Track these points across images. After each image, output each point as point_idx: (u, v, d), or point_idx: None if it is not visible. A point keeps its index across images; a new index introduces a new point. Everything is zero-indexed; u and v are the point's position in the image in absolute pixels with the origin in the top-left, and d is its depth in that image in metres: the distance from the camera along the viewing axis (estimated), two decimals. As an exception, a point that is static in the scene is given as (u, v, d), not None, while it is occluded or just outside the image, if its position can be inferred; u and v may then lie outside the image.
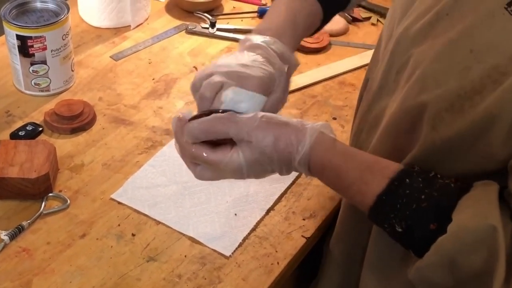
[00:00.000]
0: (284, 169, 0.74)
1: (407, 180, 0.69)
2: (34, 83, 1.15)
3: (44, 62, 1.13)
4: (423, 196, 0.68)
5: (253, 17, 1.43)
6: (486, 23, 0.66)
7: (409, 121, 0.75)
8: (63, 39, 1.13)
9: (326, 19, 0.90)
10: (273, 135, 0.71)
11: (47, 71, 1.14)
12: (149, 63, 1.27)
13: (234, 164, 0.72)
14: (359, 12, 1.45)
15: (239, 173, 0.74)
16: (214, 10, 1.43)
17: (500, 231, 0.64)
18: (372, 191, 0.70)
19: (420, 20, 0.74)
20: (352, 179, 0.72)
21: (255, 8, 1.44)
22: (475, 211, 0.66)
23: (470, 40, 0.67)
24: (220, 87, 0.76)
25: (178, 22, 1.39)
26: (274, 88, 0.78)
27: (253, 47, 0.80)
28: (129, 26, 1.35)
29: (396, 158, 0.76)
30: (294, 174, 1.04)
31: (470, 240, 0.65)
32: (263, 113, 0.73)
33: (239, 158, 0.72)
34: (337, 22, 1.38)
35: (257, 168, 0.74)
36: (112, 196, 0.98)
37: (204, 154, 0.73)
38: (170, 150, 1.07)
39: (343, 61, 1.30)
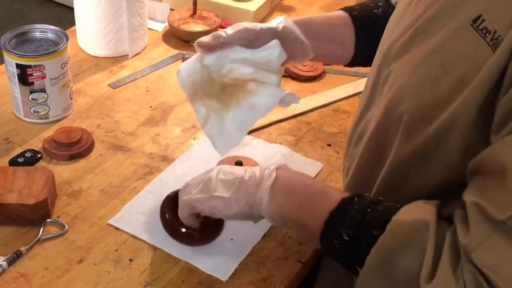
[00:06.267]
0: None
1: (356, 198, 0.77)
2: (33, 111, 1.16)
3: (43, 90, 1.14)
4: (368, 210, 0.75)
5: (248, 46, 1.46)
6: (455, 39, 0.72)
7: (391, 131, 0.79)
8: (62, 68, 1.15)
9: (359, 34, 1.01)
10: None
11: (46, 99, 1.15)
12: (147, 91, 1.29)
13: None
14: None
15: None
16: (210, 39, 1.45)
17: (432, 228, 0.67)
18: (326, 209, 0.77)
19: (402, 36, 0.81)
20: (310, 199, 0.81)
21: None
22: (413, 211, 0.71)
23: (441, 54, 0.73)
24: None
25: (174, 51, 1.41)
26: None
27: None
28: (127, 55, 1.37)
29: (380, 166, 0.81)
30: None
31: (404, 235, 0.69)
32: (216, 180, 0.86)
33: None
34: (331, 51, 1.41)
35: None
36: (110, 221, 0.99)
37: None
38: (167, 176, 1.08)
39: (337, 89, 1.33)
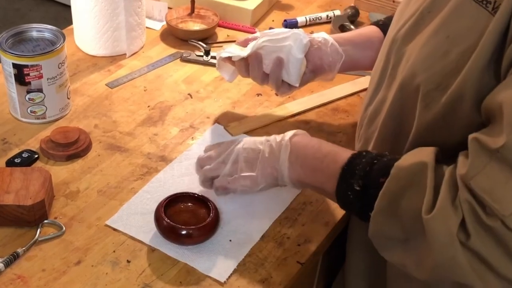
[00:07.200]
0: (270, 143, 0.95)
1: (363, 153, 0.86)
2: (30, 111, 1.16)
3: (40, 90, 1.14)
4: (375, 161, 0.83)
5: (247, 45, 1.45)
6: (457, 13, 0.80)
7: (408, 105, 0.86)
8: (59, 68, 1.14)
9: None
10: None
11: (43, 99, 1.15)
12: (144, 90, 1.28)
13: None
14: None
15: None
16: (208, 38, 1.45)
17: (430, 167, 0.75)
18: (339, 165, 0.86)
19: (408, 21, 0.89)
20: (327, 157, 0.89)
21: (249, 36, 1.46)
22: (412, 156, 0.79)
23: (445, 29, 0.81)
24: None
25: (172, 50, 1.41)
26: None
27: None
28: (125, 54, 1.36)
29: (402, 140, 0.89)
30: (288, 201, 1.04)
31: (405, 177, 0.77)
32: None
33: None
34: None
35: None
36: (107, 222, 0.98)
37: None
38: (165, 177, 1.07)
39: (336, 88, 1.32)
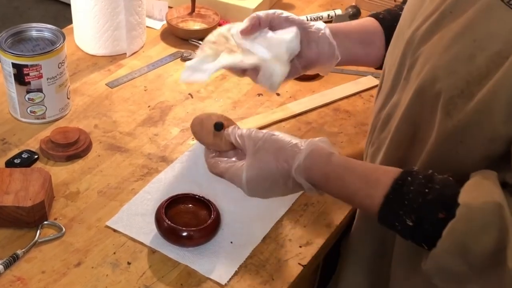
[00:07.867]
0: (282, 181, 0.85)
1: (409, 178, 0.76)
2: (30, 111, 1.15)
3: (40, 90, 1.13)
4: (427, 190, 0.74)
5: (247, 45, 1.44)
6: (485, 15, 0.74)
7: (426, 111, 0.81)
8: (59, 67, 1.14)
9: (388, 35, 1.04)
10: (273, 152, 0.84)
11: (43, 99, 1.14)
12: (145, 90, 1.27)
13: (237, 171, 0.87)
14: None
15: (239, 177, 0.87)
16: (209, 37, 1.44)
17: (506, 208, 0.69)
18: (379, 193, 0.77)
19: (427, 21, 0.83)
20: (358, 185, 0.80)
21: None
22: (480, 193, 0.71)
23: (472, 31, 0.75)
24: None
25: (173, 50, 1.40)
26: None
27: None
28: (125, 54, 1.36)
29: (418, 146, 0.84)
30: (289, 202, 1.04)
31: (479, 220, 0.70)
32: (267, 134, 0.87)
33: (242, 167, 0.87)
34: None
35: (258, 178, 0.86)
36: (108, 223, 0.98)
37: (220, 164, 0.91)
38: (165, 177, 1.07)
39: (337, 88, 1.31)
